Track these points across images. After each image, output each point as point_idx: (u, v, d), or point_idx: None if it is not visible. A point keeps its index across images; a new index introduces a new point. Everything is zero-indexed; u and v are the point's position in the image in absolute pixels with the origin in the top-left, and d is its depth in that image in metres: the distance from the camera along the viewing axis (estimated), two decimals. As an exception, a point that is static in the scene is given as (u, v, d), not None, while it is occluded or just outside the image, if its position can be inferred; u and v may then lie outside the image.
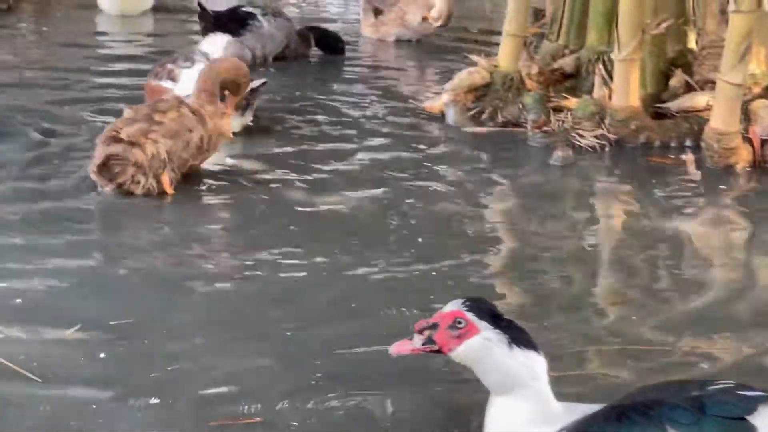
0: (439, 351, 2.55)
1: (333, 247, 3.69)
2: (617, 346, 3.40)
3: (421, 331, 2.58)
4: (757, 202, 4.42)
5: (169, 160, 3.98)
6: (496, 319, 2.53)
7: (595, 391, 2.93)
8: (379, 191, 4.33)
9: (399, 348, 2.62)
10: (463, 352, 2.53)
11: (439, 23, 7.15)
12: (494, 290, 3.39)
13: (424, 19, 7.20)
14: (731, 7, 4.55)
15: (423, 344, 2.56)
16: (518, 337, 2.52)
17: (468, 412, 2.75)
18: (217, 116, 4.18)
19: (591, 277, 3.82)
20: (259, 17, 6.23)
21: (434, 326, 2.58)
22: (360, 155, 4.76)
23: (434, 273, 3.61)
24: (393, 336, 2.72)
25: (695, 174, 4.61)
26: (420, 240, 3.85)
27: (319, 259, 3.54)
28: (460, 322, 2.54)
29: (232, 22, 6.24)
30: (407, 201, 4.22)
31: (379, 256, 3.70)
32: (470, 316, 2.53)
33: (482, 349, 2.50)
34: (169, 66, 4.84)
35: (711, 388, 2.38)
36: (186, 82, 4.68)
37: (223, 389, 2.64)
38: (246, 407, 2.53)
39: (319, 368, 2.83)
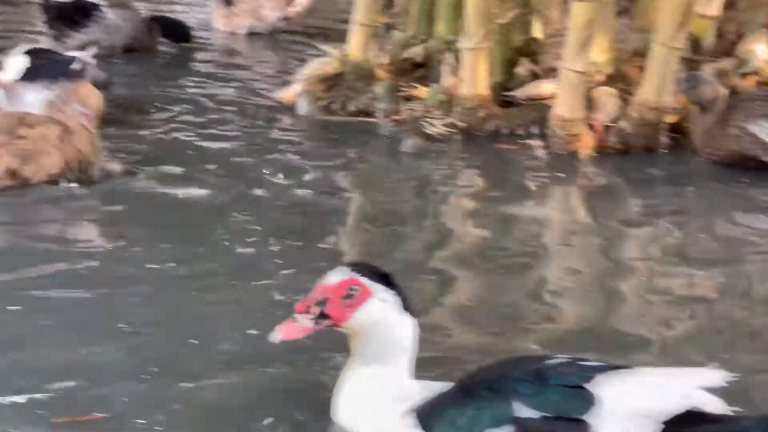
0: (333, 325, 2.52)
1: (171, 236, 3.67)
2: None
3: (307, 310, 2.51)
4: (598, 187, 4.54)
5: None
6: (387, 280, 2.55)
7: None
8: (228, 181, 4.29)
9: (287, 333, 2.51)
10: (360, 317, 2.51)
11: (296, 13, 7.12)
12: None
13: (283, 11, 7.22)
14: (573, -4, 4.83)
15: (315, 322, 2.50)
16: (407, 301, 2.57)
17: (310, 392, 2.73)
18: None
19: (439, 258, 3.76)
20: (104, 9, 6.19)
21: (323, 301, 2.53)
22: (207, 144, 4.68)
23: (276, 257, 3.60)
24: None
25: (541, 159, 4.68)
26: (259, 228, 3.80)
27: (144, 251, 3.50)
28: (353, 289, 2.51)
29: (77, 14, 6.16)
30: (256, 192, 4.19)
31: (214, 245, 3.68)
32: (363, 280, 2.52)
33: (379, 311, 2.51)
34: None
35: (551, 361, 2.49)
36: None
37: (60, 384, 2.54)
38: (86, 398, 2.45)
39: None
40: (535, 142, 4.88)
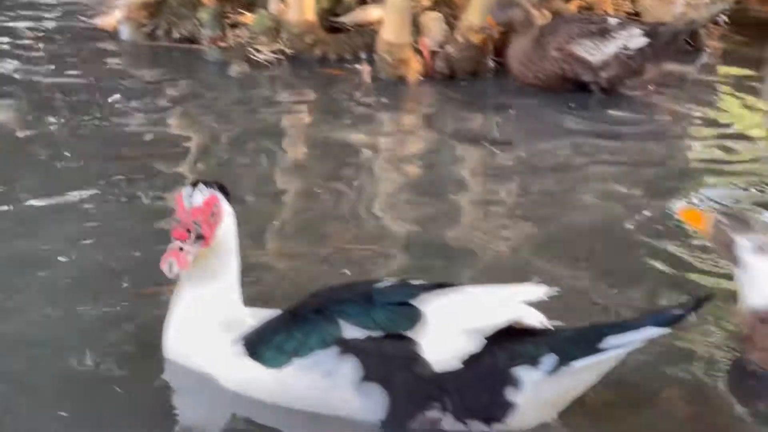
0: (206, 244, 2.49)
1: None
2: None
3: (188, 235, 2.45)
4: (425, 111, 4.65)
5: None
6: (227, 193, 2.55)
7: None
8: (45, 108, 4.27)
9: (182, 263, 2.43)
10: (219, 234, 2.50)
11: None
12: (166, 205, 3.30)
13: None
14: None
15: (195, 243, 2.47)
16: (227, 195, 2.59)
17: (139, 327, 2.69)
18: None
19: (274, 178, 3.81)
20: None
21: (198, 223, 2.48)
22: (17, 75, 4.56)
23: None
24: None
25: (369, 85, 4.68)
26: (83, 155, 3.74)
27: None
28: (216, 206, 2.52)
29: None
30: (84, 118, 4.15)
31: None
32: (220, 196, 2.52)
33: (232, 225, 2.55)
34: None
35: (380, 284, 2.50)
36: None
37: None
38: None
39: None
40: (363, 68, 4.93)
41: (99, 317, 2.78)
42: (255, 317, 2.61)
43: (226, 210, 2.55)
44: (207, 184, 2.54)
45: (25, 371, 2.49)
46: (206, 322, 2.59)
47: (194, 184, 2.52)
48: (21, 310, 2.77)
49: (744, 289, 3.03)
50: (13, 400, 2.36)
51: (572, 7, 5.60)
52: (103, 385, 2.52)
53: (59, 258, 3.15)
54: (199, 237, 2.48)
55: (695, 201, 4.06)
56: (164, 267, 2.44)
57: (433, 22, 5.11)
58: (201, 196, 2.50)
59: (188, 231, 2.48)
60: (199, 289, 2.59)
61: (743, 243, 3.01)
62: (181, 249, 2.45)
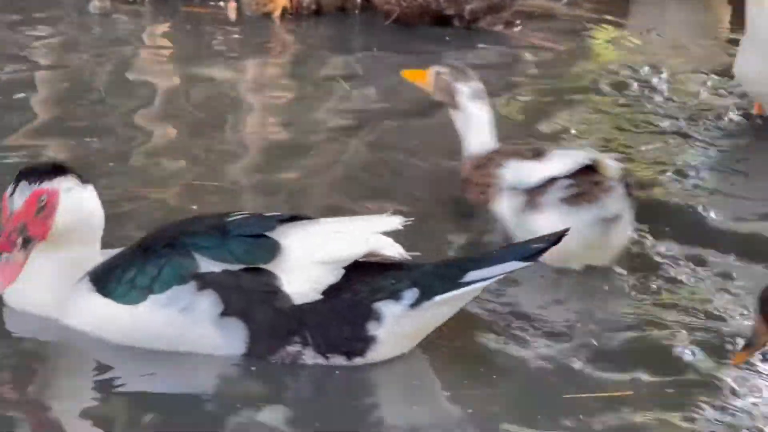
0: (39, 242, 2.45)
1: None
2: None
3: (13, 244, 2.41)
4: (290, 49, 4.79)
5: None
6: (62, 169, 2.49)
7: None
8: None
9: (9, 276, 2.39)
10: (60, 221, 2.44)
11: None
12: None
13: None
14: None
15: (25, 250, 2.42)
16: (83, 175, 2.54)
17: None
18: None
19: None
20: None
21: (23, 228, 2.43)
22: None
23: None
24: None
25: (234, 22, 4.83)
26: None
27: None
28: (41, 200, 2.44)
29: None
30: None
31: None
32: (45, 185, 2.44)
33: (73, 202, 2.46)
34: None
35: (232, 217, 2.53)
36: None
37: None
38: None
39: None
40: (228, 4, 4.97)
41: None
42: (104, 255, 2.61)
43: (62, 190, 2.48)
44: (28, 176, 2.49)
45: None
46: (48, 267, 2.54)
47: (16, 181, 2.47)
48: None
49: (464, 136, 3.41)
50: None
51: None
52: None
53: None
54: (28, 240, 2.43)
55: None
56: None
57: None
58: (20, 197, 2.44)
59: (12, 240, 2.43)
60: (61, 249, 2.53)
61: (462, 89, 3.37)
62: (7, 261, 2.44)
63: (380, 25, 5.33)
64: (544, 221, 2.95)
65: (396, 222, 2.53)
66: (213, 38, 4.87)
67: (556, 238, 2.49)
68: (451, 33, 5.21)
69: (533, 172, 3.10)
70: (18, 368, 2.52)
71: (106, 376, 2.53)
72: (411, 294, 2.44)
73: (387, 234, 2.56)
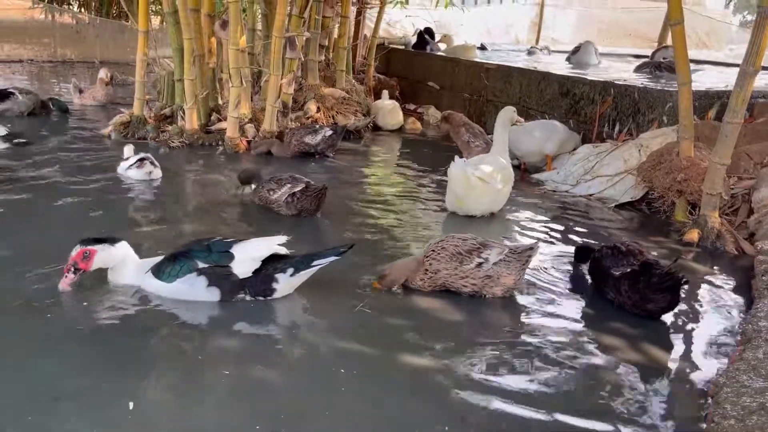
0: (85, 271, 3.13)
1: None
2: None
3: (69, 269, 3.12)
4: (251, 162, 5.92)
5: None
6: (98, 239, 3.16)
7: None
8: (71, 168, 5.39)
9: (65, 284, 3.09)
10: (96, 262, 3.11)
11: (104, 96, 8.98)
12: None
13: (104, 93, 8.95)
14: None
15: (75, 274, 3.11)
16: (114, 239, 3.22)
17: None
18: None
19: None
20: (17, 94, 8.08)
21: (76, 264, 3.12)
22: (50, 163, 5.69)
23: None
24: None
25: (222, 155, 6.18)
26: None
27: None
28: (86, 254, 3.10)
29: (0, 95, 8.02)
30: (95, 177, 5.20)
31: None
32: (88, 246, 3.12)
33: (105, 254, 3.15)
34: None
35: (213, 240, 3.19)
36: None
37: None
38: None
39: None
40: (221, 149, 6.59)
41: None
42: (151, 262, 3.24)
43: (99, 250, 3.12)
44: (83, 241, 3.14)
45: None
46: (129, 272, 3.22)
47: (79, 243, 3.14)
48: None
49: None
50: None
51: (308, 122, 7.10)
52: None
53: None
54: (77, 269, 3.10)
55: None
56: (59, 286, 3.06)
57: (249, 127, 6.77)
58: (74, 251, 3.09)
59: (69, 268, 3.09)
60: (114, 272, 3.23)
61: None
62: (65, 276, 3.07)
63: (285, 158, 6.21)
64: None
65: (283, 239, 3.27)
66: (215, 164, 5.95)
67: (350, 246, 3.20)
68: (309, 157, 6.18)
69: None
70: (121, 306, 3.09)
71: (160, 307, 3.10)
72: (290, 270, 3.15)
73: (280, 244, 3.23)
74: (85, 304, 3.07)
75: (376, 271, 3.61)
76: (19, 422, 2.21)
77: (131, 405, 2.31)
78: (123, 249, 3.19)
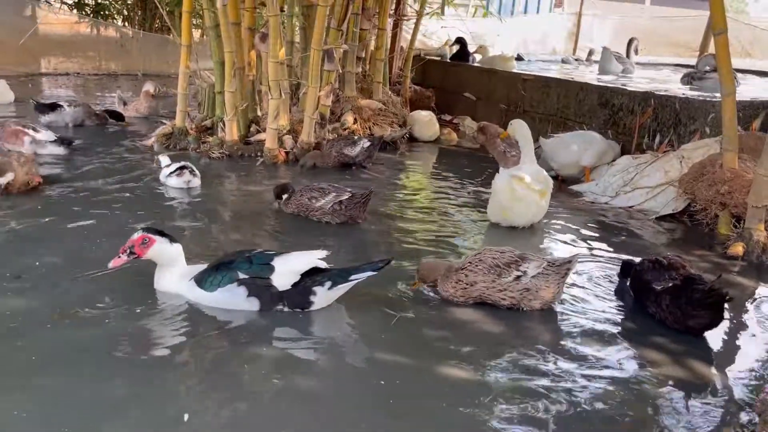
0: (137, 257, 3.21)
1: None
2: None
3: (124, 251, 3.21)
4: (288, 176, 5.93)
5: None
6: (161, 232, 3.24)
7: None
8: (128, 178, 5.54)
9: (115, 263, 3.18)
10: (150, 253, 3.20)
11: (146, 109, 9.09)
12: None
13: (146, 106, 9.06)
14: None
15: (129, 257, 3.21)
16: (171, 236, 3.29)
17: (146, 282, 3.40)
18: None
19: None
20: (65, 106, 8.19)
21: (132, 247, 3.20)
22: (95, 172, 5.81)
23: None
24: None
25: (263, 166, 6.23)
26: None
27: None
28: (145, 240, 3.17)
29: (48, 108, 8.13)
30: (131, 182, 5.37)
31: None
32: (149, 234, 3.20)
33: (159, 247, 3.23)
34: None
35: (255, 251, 3.22)
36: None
37: None
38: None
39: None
40: (260, 160, 6.57)
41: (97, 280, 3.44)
42: (196, 269, 3.30)
43: (158, 241, 3.23)
44: (145, 229, 3.25)
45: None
46: (174, 277, 3.29)
47: (141, 230, 3.26)
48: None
49: None
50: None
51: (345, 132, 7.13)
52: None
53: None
54: (132, 253, 3.20)
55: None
56: (110, 264, 3.17)
57: (287, 138, 6.84)
58: (136, 234, 3.20)
59: (125, 250, 3.19)
60: (165, 269, 3.30)
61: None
62: (119, 257, 3.18)
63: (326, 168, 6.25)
64: None
65: (323, 254, 3.28)
66: (255, 172, 6.03)
67: (388, 261, 3.26)
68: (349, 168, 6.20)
69: None
70: (167, 314, 3.15)
71: (203, 316, 3.16)
72: (328, 283, 3.18)
73: (320, 258, 3.26)
74: (137, 310, 3.14)
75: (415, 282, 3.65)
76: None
77: (186, 417, 2.32)
78: (178, 249, 3.27)
